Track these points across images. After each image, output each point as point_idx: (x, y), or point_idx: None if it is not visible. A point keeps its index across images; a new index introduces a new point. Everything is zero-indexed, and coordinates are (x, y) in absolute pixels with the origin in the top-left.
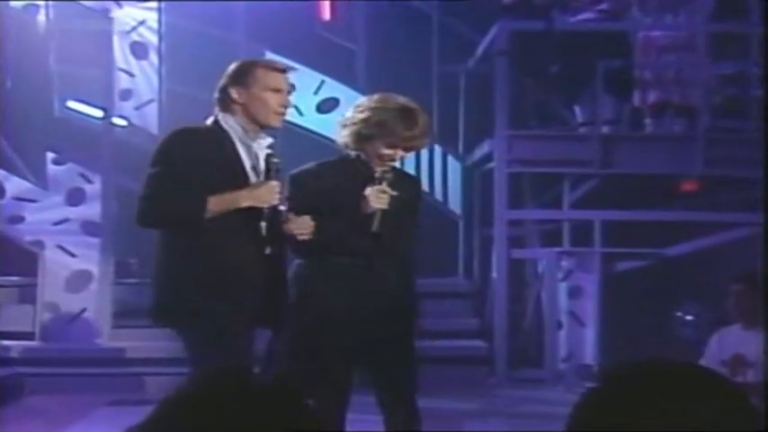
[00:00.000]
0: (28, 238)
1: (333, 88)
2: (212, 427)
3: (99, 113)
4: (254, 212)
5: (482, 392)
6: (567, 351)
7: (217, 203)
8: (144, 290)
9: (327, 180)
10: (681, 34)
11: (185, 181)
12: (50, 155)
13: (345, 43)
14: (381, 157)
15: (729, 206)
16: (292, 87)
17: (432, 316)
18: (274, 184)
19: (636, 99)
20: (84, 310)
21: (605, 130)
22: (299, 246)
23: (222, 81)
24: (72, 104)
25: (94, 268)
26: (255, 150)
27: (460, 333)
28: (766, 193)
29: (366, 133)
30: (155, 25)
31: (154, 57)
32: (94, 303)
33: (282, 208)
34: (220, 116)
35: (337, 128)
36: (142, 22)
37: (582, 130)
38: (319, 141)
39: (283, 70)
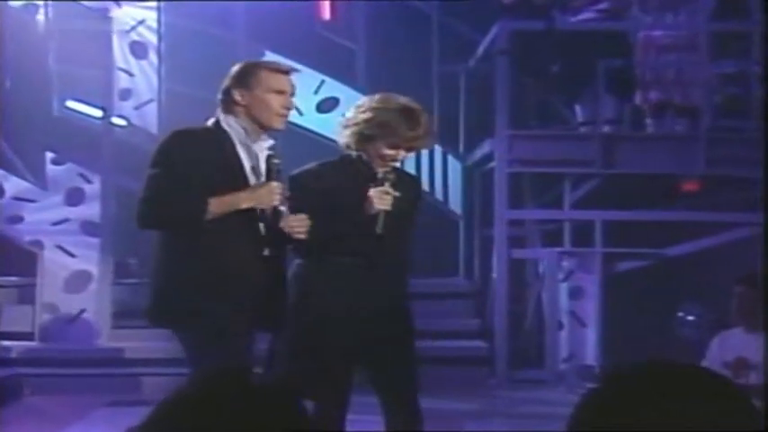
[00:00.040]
0: (27, 238)
1: (333, 88)
2: (212, 428)
3: (98, 113)
4: (252, 213)
5: (483, 393)
6: (567, 352)
7: (217, 205)
8: (143, 290)
9: (329, 180)
10: (682, 33)
11: (185, 182)
12: (49, 155)
13: (345, 43)
14: (383, 158)
15: (731, 206)
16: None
17: (432, 316)
18: (275, 185)
19: (637, 99)
20: (83, 311)
21: (606, 129)
22: (299, 245)
23: (225, 83)
24: (71, 104)
25: (94, 268)
26: (256, 152)
27: (461, 333)
28: (766, 193)
29: (368, 134)
30: (154, 25)
31: (153, 56)
32: (94, 304)
33: (283, 208)
34: (222, 117)
35: (338, 128)
36: (141, 22)
37: (583, 129)
38: (319, 141)
39: (287, 72)
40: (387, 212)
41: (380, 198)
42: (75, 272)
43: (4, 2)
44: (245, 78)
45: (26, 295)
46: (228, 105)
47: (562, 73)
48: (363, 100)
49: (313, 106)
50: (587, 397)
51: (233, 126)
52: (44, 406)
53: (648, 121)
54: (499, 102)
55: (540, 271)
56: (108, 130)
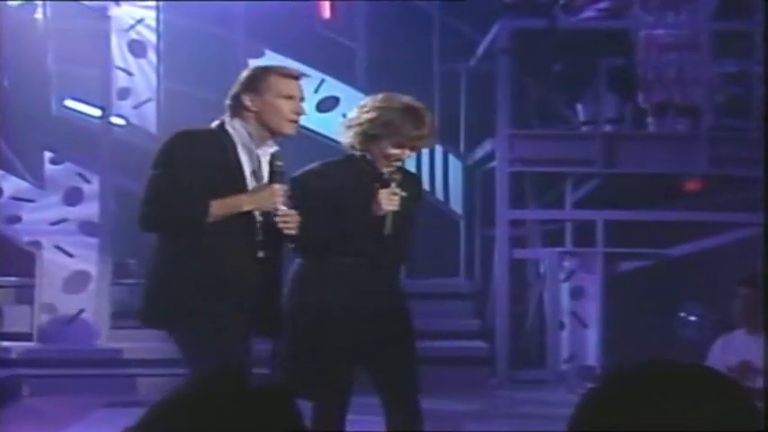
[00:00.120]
0: (25, 238)
1: (333, 87)
2: (207, 428)
3: (97, 112)
4: (249, 216)
5: (483, 393)
6: (569, 352)
7: (219, 207)
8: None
9: (333, 180)
10: (683, 33)
11: (187, 184)
12: (48, 154)
13: (345, 42)
14: (388, 157)
15: (733, 206)
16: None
17: (433, 316)
18: (277, 187)
19: (638, 98)
20: (82, 311)
21: (607, 129)
22: (298, 244)
23: (234, 88)
24: (70, 103)
25: (92, 269)
26: (259, 156)
27: (461, 334)
28: (767, 193)
29: (373, 133)
30: (153, 23)
31: (152, 55)
32: (92, 304)
33: (285, 210)
34: (227, 120)
35: (342, 128)
36: (140, 21)
37: (584, 129)
38: (318, 140)
39: (297, 77)
40: (393, 213)
41: (389, 199)
42: (74, 272)
43: (2, 1)
44: (254, 83)
45: (24, 295)
46: (237, 110)
47: (563, 72)
48: (366, 100)
49: (313, 105)
50: (588, 397)
51: (237, 129)
52: (43, 406)
53: (650, 120)
54: (500, 101)
55: (542, 271)
56: (107, 130)
